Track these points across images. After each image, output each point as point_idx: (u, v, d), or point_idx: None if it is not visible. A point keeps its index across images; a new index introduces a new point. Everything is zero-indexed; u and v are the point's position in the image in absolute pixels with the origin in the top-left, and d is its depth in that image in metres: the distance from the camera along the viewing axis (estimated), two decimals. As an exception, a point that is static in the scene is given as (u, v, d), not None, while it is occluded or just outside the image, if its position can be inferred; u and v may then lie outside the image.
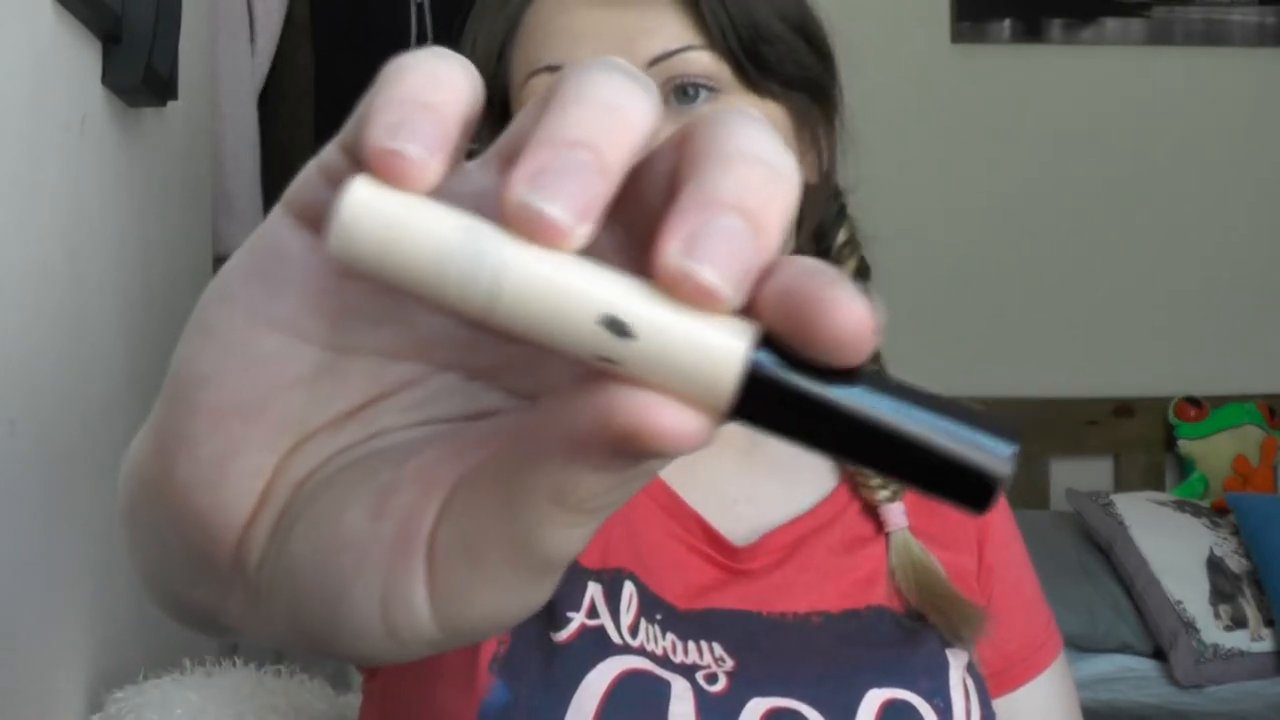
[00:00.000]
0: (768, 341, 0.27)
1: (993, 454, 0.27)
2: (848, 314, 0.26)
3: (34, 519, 0.99)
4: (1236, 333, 2.90)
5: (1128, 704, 2.25)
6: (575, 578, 0.81)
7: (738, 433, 0.90)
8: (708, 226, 0.26)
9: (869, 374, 0.27)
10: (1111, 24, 2.92)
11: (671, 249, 0.26)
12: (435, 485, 0.30)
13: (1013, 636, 0.93)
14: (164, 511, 0.33)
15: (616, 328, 0.26)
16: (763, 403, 0.27)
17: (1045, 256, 2.89)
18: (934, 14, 2.89)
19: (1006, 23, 2.90)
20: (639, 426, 0.26)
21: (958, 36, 2.90)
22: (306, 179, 0.31)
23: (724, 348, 0.26)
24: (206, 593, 0.34)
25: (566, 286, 0.26)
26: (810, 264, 0.27)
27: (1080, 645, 2.38)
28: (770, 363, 0.27)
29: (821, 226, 0.92)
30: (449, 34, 2.30)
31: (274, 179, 2.32)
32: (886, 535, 0.90)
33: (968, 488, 0.27)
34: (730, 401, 0.26)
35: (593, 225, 0.26)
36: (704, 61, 0.82)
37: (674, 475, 0.88)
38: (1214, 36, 2.92)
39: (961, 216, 2.88)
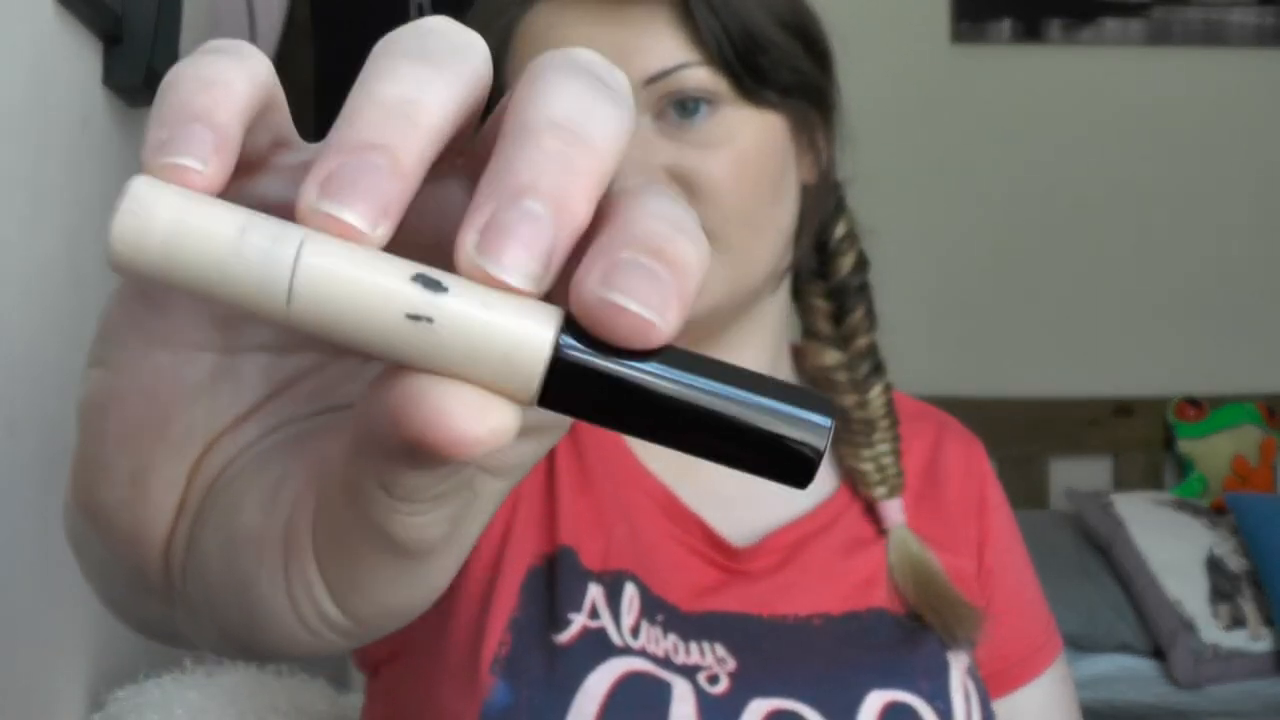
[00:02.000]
0: (574, 323, 0.26)
1: (808, 429, 0.26)
2: (628, 322, 0.25)
3: (34, 519, 0.99)
4: (1236, 333, 2.90)
5: (1127, 704, 2.25)
6: (576, 579, 0.81)
7: None
8: (501, 215, 0.25)
9: (679, 354, 0.26)
10: (1111, 24, 2.92)
11: (467, 241, 0.25)
12: (318, 475, 0.30)
13: (1011, 638, 0.93)
14: (96, 534, 0.33)
15: (431, 284, 0.25)
16: (572, 389, 0.26)
17: (1045, 256, 2.89)
18: (934, 14, 2.89)
19: (1006, 23, 2.90)
20: (424, 434, 0.25)
21: (958, 36, 2.90)
22: None
23: (528, 334, 0.25)
24: (153, 606, 0.35)
25: (368, 269, 0.25)
26: (621, 238, 0.26)
27: (1079, 645, 2.38)
28: (576, 346, 0.26)
29: (820, 220, 0.92)
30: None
31: (274, 179, 2.32)
32: (885, 534, 0.90)
33: (786, 463, 0.27)
34: (537, 388, 0.26)
35: (391, 224, 0.26)
36: (700, 77, 0.82)
37: (672, 475, 0.88)
38: (1214, 36, 2.92)
39: (961, 216, 2.88)
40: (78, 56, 1.10)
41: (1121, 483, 2.85)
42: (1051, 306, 2.89)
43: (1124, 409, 2.87)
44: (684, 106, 0.82)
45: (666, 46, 0.82)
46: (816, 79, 0.87)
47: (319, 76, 2.38)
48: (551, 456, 0.86)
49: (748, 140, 0.83)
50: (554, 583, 0.81)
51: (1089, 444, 2.86)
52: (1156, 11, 2.91)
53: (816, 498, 0.91)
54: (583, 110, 0.27)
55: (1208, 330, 2.90)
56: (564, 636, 0.80)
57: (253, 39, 2.31)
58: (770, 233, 0.85)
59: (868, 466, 0.90)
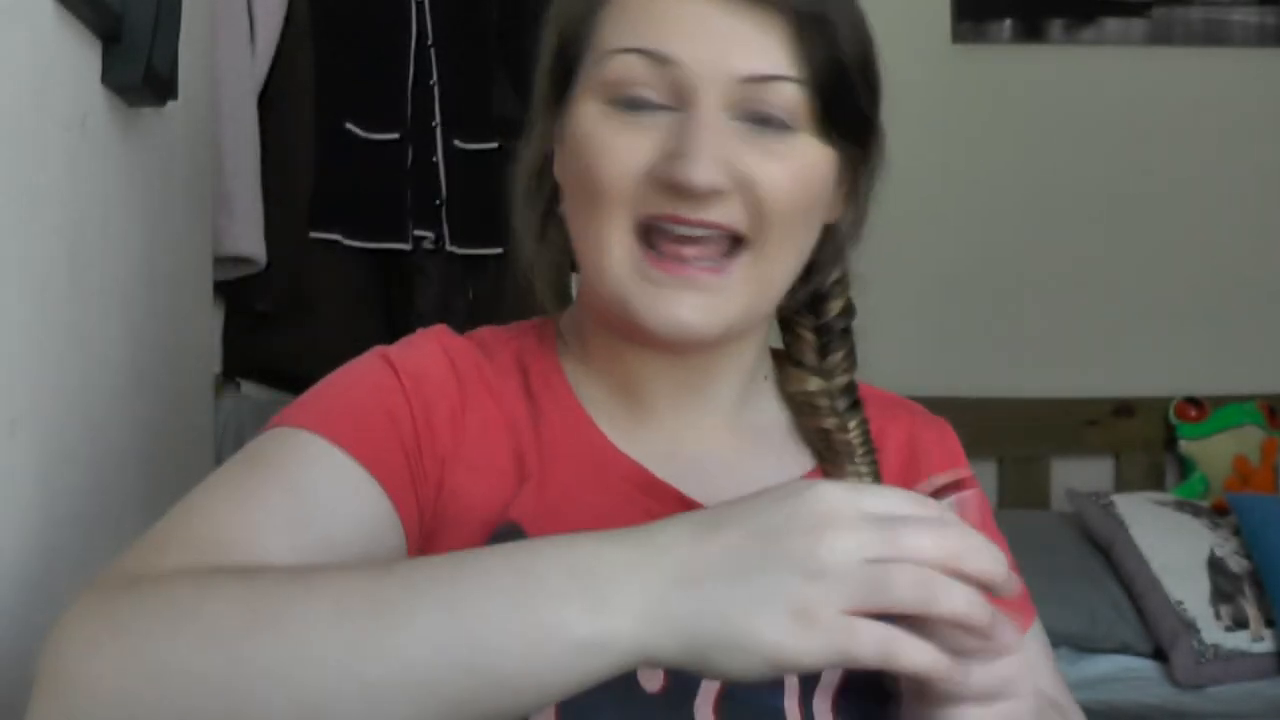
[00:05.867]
0: None
1: None
2: None
3: (34, 519, 0.99)
4: (1236, 333, 2.90)
5: (1128, 704, 2.24)
6: None
7: (723, 411, 0.92)
8: None
9: None
10: (1111, 24, 2.91)
11: None
12: None
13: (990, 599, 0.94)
14: None
15: None
16: None
17: (1045, 256, 2.89)
18: (934, 14, 2.89)
19: (1006, 23, 2.90)
20: None
21: (958, 36, 2.90)
22: None
23: None
24: None
25: None
26: None
27: (1080, 645, 2.38)
28: None
29: (819, 262, 0.94)
30: (449, 33, 2.26)
31: (274, 179, 2.32)
32: None
33: None
34: None
35: None
36: (790, 95, 0.83)
37: (650, 455, 0.89)
38: (1214, 36, 2.92)
39: (961, 216, 2.88)
40: (77, 55, 1.09)
41: (1122, 483, 2.85)
42: (1052, 306, 2.88)
43: (1125, 409, 2.87)
44: (765, 121, 0.83)
45: (772, 54, 0.83)
46: (876, 129, 0.90)
47: (319, 76, 2.38)
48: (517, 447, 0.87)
49: (809, 164, 0.85)
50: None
51: (1090, 444, 2.86)
52: (1157, 11, 2.91)
53: (791, 477, 0.93)
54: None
55: (1209, 330, 2.90)
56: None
57: (252, 39, 2.31)
58: (794, 257, 0.88)
59: (853, 480, 0.92)
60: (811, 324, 0.96)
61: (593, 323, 0.92)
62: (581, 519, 0.84)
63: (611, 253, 0.84)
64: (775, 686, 0.81)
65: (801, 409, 0.95)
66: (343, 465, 0.80)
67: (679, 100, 0.83)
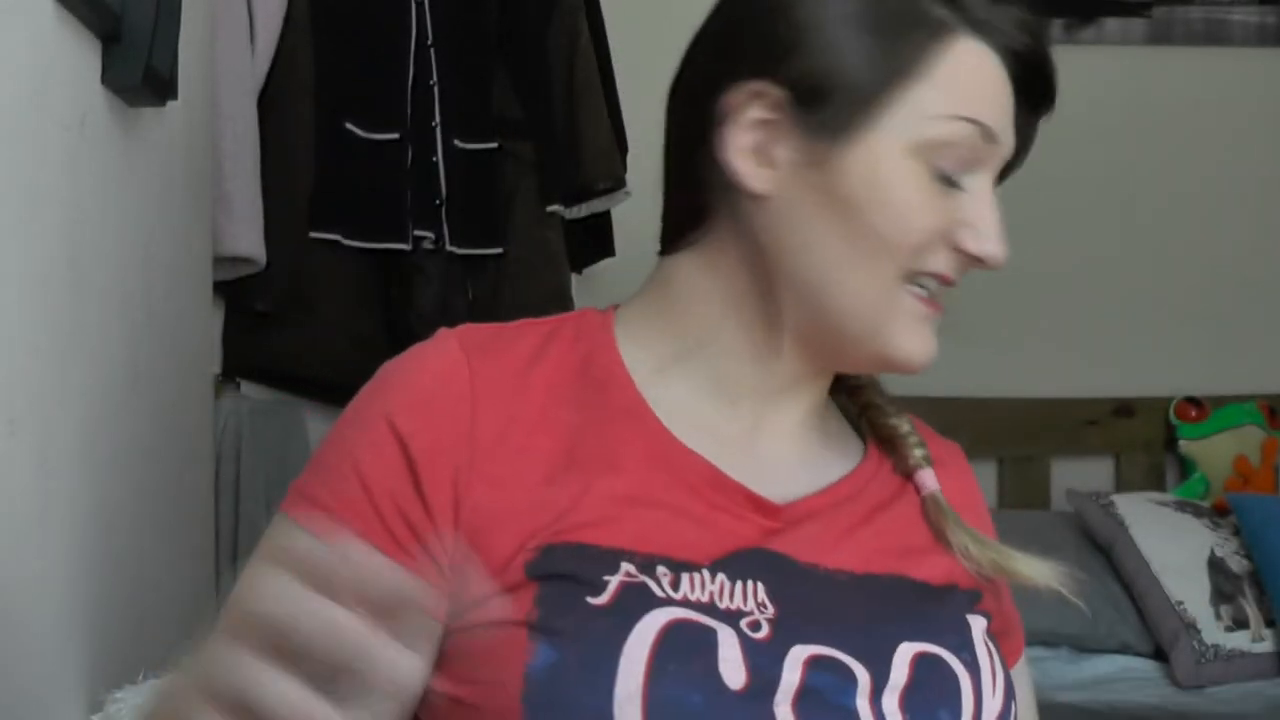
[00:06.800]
0: None
1: None
2: None
3: (34, 519, 0.99)
4: (1236, 333, 2.90)
5: (1128, 704, 2.25)
6: (608, 557, 0.82)
7: (803, 412, 0.93)
8: None
9: None
10: (1112, 24, 2.91)
11: None
12: None
13: (1001, 615, 0.96)
14: None
15: None
16: None
17: (1045, 256, 2.88)
18: (934, 14, 2.89)
19: (1007, 23, 2.90)
20: None
21: (958, 36, 2.90)
22: None
23: None
24: None
25: None
26: None
27: (1080, 645, 2.38)
28: None
29: None
30: (449, 33, 2.26)
31: (274, 179, 2.32)
32: (922, 499, 0.94)
33: None
34: None
35: None
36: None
37: (714, 453, 0.89)
38: (1214, 36, 2.92)
39: (962, 216, 2.88)
40: (76, 55, 1.09)
41: (1123, 483, 2.85)
42: (1052, 306, 2.88)
43: (1125, 409, 2.86)
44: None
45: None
46: None
47: (319, 76, 2.38)
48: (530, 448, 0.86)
49: None
50: (581, 557, 0.82)
51: (1090, 444, 2.86)
52: (1157, 11, 2.91)
53: (846, 467, 0.94)
54: None
55: (1209, 330, 2.90)
56: (603, 598, 0.80)
57: (252, 39, 2.31)
58: None
59: (905, 428, 0.95)
60: None
61: (692, 357, 0.91)
62: (649, 516, 0.85)
63: (881, 293, 0.87)
64: (849, 683, 0.82)
65: (856, 402, 0.98)
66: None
67: (972, 169, 0.88)
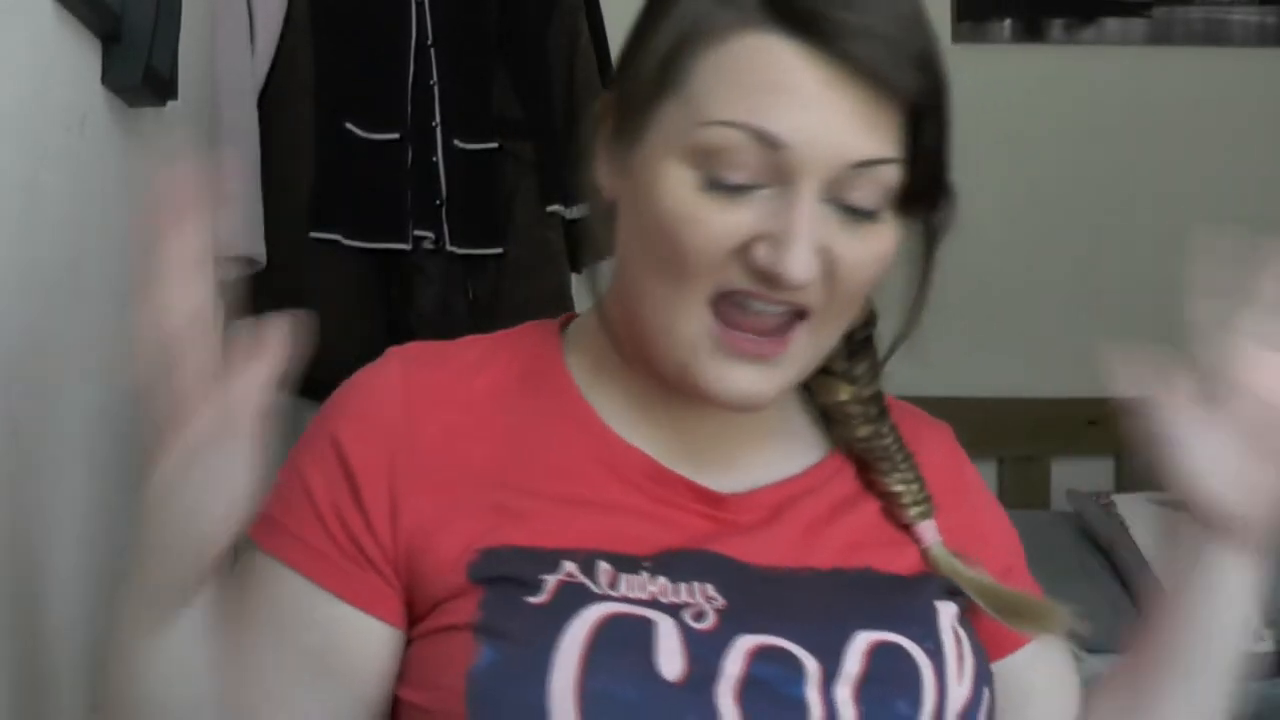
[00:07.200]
0: None
1: None
2: None
3: (34, 519, 0.99)
4: (1237, 333, 2.89)
5: (1128, 704, 2.24)
6: (549, 558, 0.83)
7: (749, 426, 0.90)
8: None
9: None
10: (1111, 24, 2.92)
11: None
12: None
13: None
14: None
15: None
16: None
17: (1045, 256, 2.89)
18: (934, 14, 2.85)
19: (1007, 23, 2.90)
20: None
21: (958, 36, 2.90)
22: None
23: None
24: None
25: None
26: None
27: (1080, 645, 2.38)
28: None
29: None
30: (449, 33, 2.25)
31: (274, 179, 2.32)
32: (922, 551, 0.92)
33: None
34: None
35: None
36: (891, 177, 0.81)
37: (655, 445, 0.89)
38: (1214, 36, 2.92)
39: (961, 216, 2.87)
40: (76, 55, 1.09)
41: (1123, 483, 2.85)
42: (1052, 306, 2.88)
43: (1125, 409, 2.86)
44: (859, 205, 0.81)
45: (885, 137, 0.80)
46: (950, 198, 0.88)
47: (319, 76, 2.38)
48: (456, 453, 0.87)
49: (890, 245, 0.84)
50: (522, 559, 0.83)
51: (1090, 444, 2.86)
52: (1157, 11, 2.91)
53: (804, 464, 0.93)
54: None
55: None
56: (541, 596, 0.81)
57: (252, 39, 2.31)
58: (851, 317, 0.88)
59: (899, 488, 0.92)
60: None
61: (620, 352, 0.91)
62: (589, 514, 0.85)
63: (683, 321, 0.82)
64: (797, 674, 0.81)
65: (837, 421, 0.94)
66: (304, 593, 0.86)
67: (779, 179, 0.80)
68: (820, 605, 0.85)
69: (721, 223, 0.80)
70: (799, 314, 0.82)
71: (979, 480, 1.02)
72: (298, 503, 0.87)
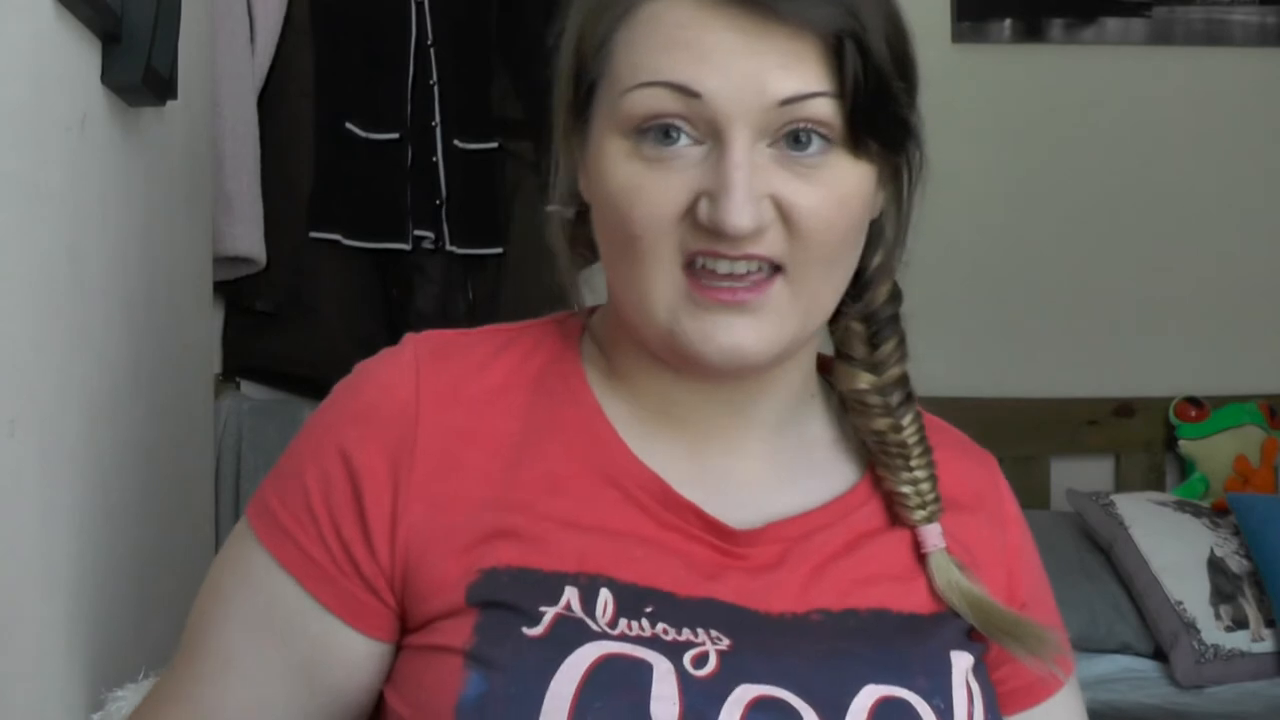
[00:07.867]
0: None
1: None
2: None
3: (34, 519, 0.99)
4: (1236, 333, 2.90)
5: (1128, 704, 2.25)
6: (550, 581, 0.81)
7: (764, 432, 0.88)
8: None
9: None
10: (1112, 24, 2.91)
11: None
12: None
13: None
14: None
15: None
16: None
17: (1045, 256, 2.88)
18: (934, 14, 2.89)
19: (1006, 23, 2.90)
20: None
21: (958, 36, 2.90)
22: None
23: None
24: None
25: None
26: None
27: (1080, 646, 2.38)
28: None
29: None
30: (449, 33, 2.25)
31: (274, 179, 2.32)
32: (924, 557, 0.89)
33: None
34: None
35: None
36: (828, 110, 0.80)
37: (670, 467, 0.87)
38: (1214, 36, 2.92)
39: (961, 216, 2.87)
40: (76, 55, 1.09)
41: (1123, 483, 2.85)
42: (1052, 306, 2.88)
43: (1125, 409, 2.86)
44: (798, 139, 0.80)
45: (808, 72, 0.80)
46: (917, 133, 0.88)
47: (319, 76, 2.38)
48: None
49: (849, 187, 0.83)
50: (523, 582, 0.81)
51: (1090, 444, 2.86)
52: (1157, 11, 2.90)
53: (833, 492, 0.90)
54: None
55: (1209, 330, 2.89)
56: (538, 629, 0.79)
57: (252, 39, 2.31)
58: (841, 276, 0.86)
59: (906, 489, 0.90)
60: (858, 313, 0.92)
61: (626, 349, 0.89)
62: (594, 537, 0.83)
63: (657, 289, 0.81)
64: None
65: (854, 409, 0.92)
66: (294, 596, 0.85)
67: (710, 134, 0.80)
68: (828, 654, 0.82)
69: (665, 187, 0.80)
70: (775, 269, 0.82)
71: (1019, 516, 1.00)
72: (295, 500, 0.85)
